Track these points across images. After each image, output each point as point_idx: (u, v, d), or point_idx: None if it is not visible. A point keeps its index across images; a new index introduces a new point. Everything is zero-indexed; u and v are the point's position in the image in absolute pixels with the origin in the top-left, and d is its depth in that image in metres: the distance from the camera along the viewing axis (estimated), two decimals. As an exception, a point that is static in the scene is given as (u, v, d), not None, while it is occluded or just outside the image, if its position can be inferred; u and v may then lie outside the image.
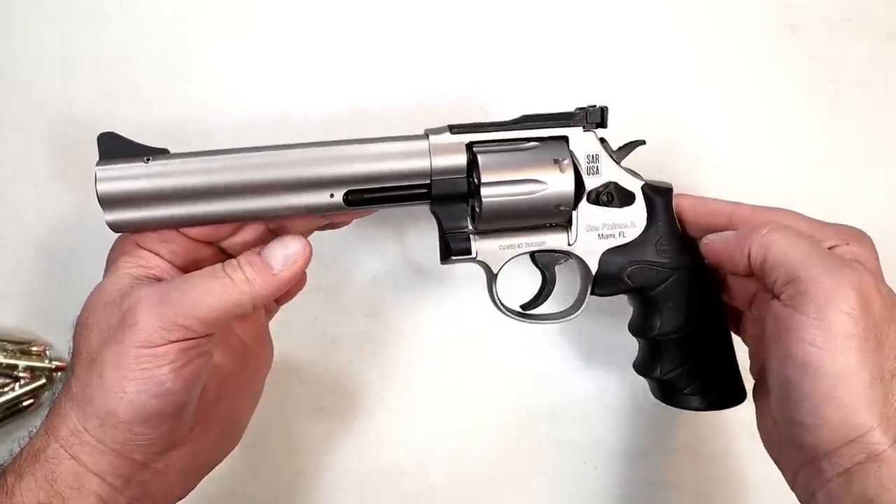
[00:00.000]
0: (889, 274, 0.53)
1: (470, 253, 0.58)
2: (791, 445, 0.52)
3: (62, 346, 0.69)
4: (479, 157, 0.55)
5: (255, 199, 0.52)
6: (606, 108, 0.58)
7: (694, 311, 0.59)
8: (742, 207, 0.59)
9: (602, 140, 0.59)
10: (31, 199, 0.69)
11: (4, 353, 0.68)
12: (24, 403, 0.69)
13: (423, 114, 0.70)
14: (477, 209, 0.55)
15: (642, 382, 0.64)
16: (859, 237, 0.54)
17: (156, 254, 0.53)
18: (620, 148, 0.60)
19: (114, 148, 0.52)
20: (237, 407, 0.60)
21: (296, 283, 0.65)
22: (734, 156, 0.72)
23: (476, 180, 0.55)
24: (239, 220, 0.54)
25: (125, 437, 0.49)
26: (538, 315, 0.63)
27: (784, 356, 0.50)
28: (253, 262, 0.52)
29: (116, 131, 0.52)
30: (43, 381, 0.69)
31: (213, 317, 0.49)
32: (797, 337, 0.49)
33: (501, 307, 0.61)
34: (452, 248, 0.57)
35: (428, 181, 0.55)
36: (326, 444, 0.73)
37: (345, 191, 0.54)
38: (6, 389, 0.68)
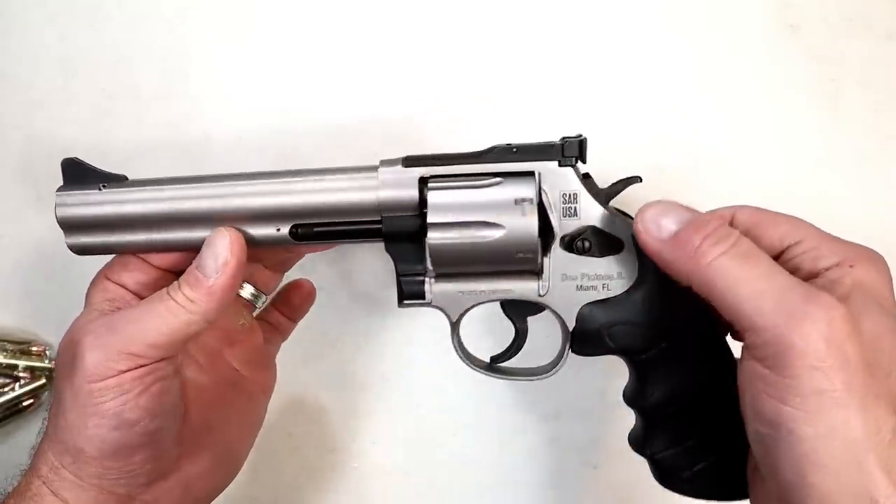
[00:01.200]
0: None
1: (423, 297, 0.53)
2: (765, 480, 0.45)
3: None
4: (430, 195, 0.50)
5: (202, 228, 0.52)
6: (585, 139, 0.51)
7: (693, 383, 0.50)
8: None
9: (586, 176, 0.52)
10: (32, 198, 0.69)
11: (4, 353, 0.68)
12: (24, 403, 0.69)
13: (423, 114, 0.70)
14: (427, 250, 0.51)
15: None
16: (869, 260, 0.46)
17: (122, 286, 0.53)
18: (612, 185, 0.53)
19: (76, 173, 0.53)
20: (231, 435, 0.58)
21: (305, 299, 0.65)
22: (734, 156, 0.72)
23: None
24: (190, 248, 0.52)
25: (100, 472, 0.48)
26: (509, 370, 0.57)
27: (754, 413, 0.43)
28: (188, 279, 0.50)
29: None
30: (43, 381, 0.69)
31: (162, 340, 0.48)
32: (763, 393, 0.41)
33: (465, 359, 0.56)
34: (405, 290, 0.53)
35: (378, 217, 0.51)
36: (326, 444, 0.73)
37: (290, 225, 0.52)
38: (6, 389, 0.69)
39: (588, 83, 0.71)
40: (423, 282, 0.53)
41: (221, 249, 0.50)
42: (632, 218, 0.51)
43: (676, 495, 0.74)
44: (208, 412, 0.56)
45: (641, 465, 0.75)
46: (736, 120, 0.72)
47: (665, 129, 0.71)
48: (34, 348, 0.69)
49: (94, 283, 0.54)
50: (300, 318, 0.66)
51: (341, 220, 0.52)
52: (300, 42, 0.70)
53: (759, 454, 0.44)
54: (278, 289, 0.65)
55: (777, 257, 0.47)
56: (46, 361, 0.69)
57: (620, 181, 0.53)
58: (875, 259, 0.46)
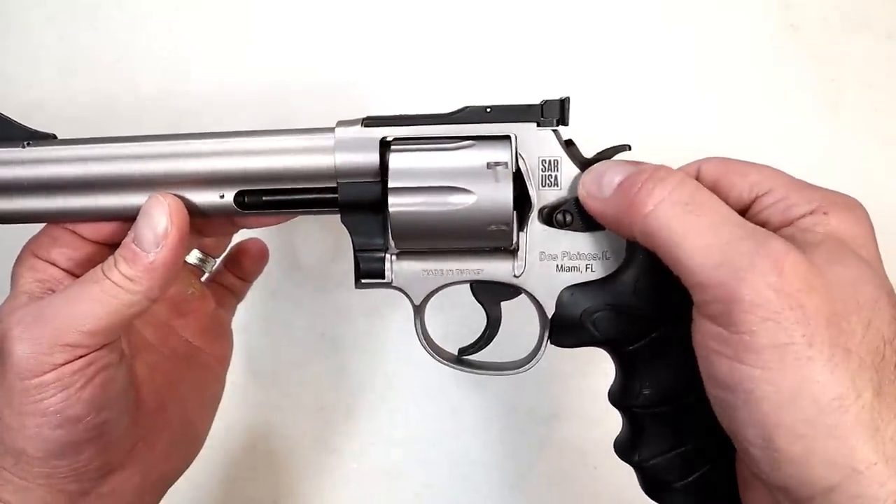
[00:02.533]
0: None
1: (383, 276, 0.47)
2: (756, 481, 0.41)
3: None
4: (392, 157, 0.45)
5: (137, 194, 0.46)
6: (567, 98, 0.46)
7: (688, 380, 0.43)
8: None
9: (569, 142, 0.47)
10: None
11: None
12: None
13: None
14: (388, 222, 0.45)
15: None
16: (845, 206, 0.42)
17: (52, 263, 0.47)
18: (599, 153, 0.47)
19: (1, 130, 0.47)
20: (188, 412, 0.55)
21: (255, 261, 0.60)
22: (734, 156, 0.72)
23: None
24: (126, 218, 0.46)
25: (47, 472, 0.44)
26: (479, 363, 0.52)
27: (709, 376, 0.39)
28: (125, 254, 0.44)
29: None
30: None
31: (101, 326, 0.43)
32: (717, 352, 0.37)
33: (429, 350, 0.51)
34: (362, 268, 0.47)
35: (334, 184, 0.46)
36: (326, 444, 0.73)
37: (236, 191, 0.46)
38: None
39: (589, 84, 0.71)
40: (383, 259, 0.47)
41: (159, 218, 0.44)
42: None
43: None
44: (162, 391, 0.52)
45: (641, 465, 0.75)
46: (736, 120, 0.72)
47: (665, 130, 0.71)
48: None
49: (20, 261, 0.48)
50: (254, 279, 0.61)
51: (293, 188, 0.46)
52: (300, 42, 0.70)
53: (723, 422, 0.40)
54: (228, 249, 0.61)
55: (747, 209, 0.44)
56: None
57: (608, 149, 0.47)
58: (852, 206, 0.42)
